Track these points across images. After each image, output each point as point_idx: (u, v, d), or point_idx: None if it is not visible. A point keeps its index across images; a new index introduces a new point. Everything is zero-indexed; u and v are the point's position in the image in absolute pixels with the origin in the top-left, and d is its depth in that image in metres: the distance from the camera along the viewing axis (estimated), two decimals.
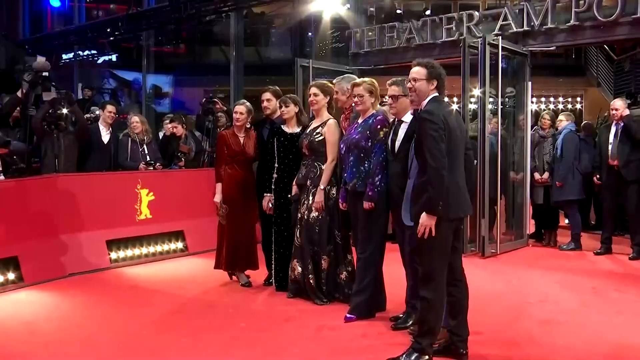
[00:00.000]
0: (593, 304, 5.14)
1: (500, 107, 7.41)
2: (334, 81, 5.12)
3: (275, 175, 5.21)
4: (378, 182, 4.33)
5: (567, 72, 16.57)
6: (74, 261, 5.98)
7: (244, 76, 11.74)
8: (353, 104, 4.70)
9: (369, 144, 4.43)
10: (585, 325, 4.53)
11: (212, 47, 17.24)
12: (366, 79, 4.64)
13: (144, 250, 6.65)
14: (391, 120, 4.42)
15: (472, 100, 8.06)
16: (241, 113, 5.47)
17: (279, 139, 5.19)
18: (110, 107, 7.17)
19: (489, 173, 7.02)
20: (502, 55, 7.25)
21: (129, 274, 6.16)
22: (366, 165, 4.45)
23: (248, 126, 5.57)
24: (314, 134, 4.92)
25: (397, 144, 4.20)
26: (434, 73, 3.67)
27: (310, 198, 4.86)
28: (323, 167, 4.86)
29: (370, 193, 4.34)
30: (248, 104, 5.57)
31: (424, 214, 3.50)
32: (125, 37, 14.26)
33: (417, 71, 3.69)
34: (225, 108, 7.82)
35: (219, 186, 5.46)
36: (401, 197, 3.96)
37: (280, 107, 5.23)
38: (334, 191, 4.84)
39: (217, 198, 5.44)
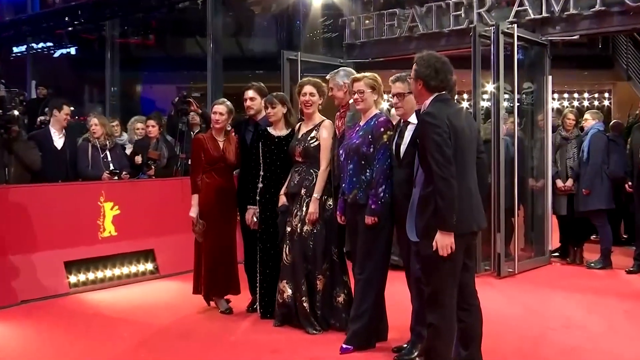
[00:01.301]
0: (624, 329, 5.17)
1: (516, 104, 7.46)
2: (327, 76, 5.14)
3: (260, 185, 5.22)
4: (382, 194, 4.34)
5: (593, 64, 16.62)
6: (27, 286, 5.93)
7: (224, 71, 11.74)
8: (351, 101, 4.72)
9: (371, 149, 4.44)
10: (614, 353, 4.54)
11: (186, 38, 17.25)
12: (367, 73, 4.67)
13: (108, 272, 6.62)
14: (396, 121, 4.44)
15: (485, 97, 8.11)
16: (221, 114, 5.47)
17: (265, 143, 5.20)
18: (67, 109, 7.06)
19: (505, 181, 7.05)
20: (518, 45, 7.31)
21: (90, 300, 6.13)
22: (367, 174, 4.45)
23: (228, 128, 5.58)
24: (309, 138, 4.93)
25: (403, 148, 4.22)
26: (419, 73, 3.70)
27: (304, 209, 4.86)
28: None
29: (373, 206, 4.34)
30: (228, 103, 5.58)
31: (438, 234, 3.48)
32: (86, 27, 14.24)
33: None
34: (200, 111, 7.69)
35: (195, 198, 5.45)
36: (406, 208, 3.94)
37: (266, 107, 5.23)
38: (330, 202, 4.85)
39: (193, 212, 5.43)
